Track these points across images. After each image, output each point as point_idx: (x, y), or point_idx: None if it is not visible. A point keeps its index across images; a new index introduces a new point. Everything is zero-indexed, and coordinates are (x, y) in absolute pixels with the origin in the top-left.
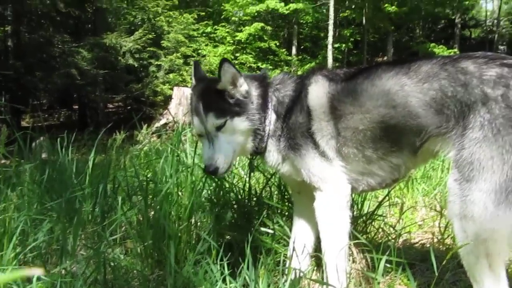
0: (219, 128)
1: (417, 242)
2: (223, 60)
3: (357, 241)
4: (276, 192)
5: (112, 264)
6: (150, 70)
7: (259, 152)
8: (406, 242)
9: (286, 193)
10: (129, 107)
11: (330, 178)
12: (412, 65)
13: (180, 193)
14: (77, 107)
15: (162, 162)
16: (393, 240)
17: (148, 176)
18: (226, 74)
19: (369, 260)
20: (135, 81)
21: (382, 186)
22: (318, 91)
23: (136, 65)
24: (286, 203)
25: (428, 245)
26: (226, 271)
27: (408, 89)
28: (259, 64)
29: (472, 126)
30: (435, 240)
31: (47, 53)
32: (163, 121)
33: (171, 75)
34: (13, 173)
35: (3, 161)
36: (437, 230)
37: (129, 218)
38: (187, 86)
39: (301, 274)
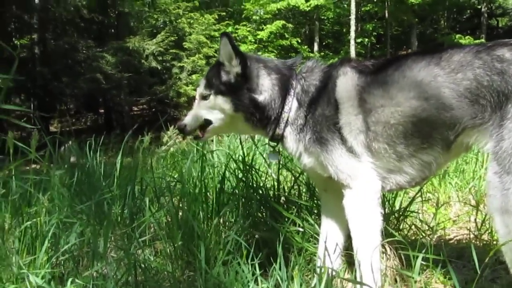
0: (203, 97)
1: (452, 239)
2: (223, 34)
3: (390, 239)
4: (304, 190)
5: (142, 265)
6: (173, 72)
7: (276, 138)
8: (440, 239)
9: (315, 191)
10: (153, 109)
11: (360, 174)
12: (443, 54)
13: (208, 193)
14: (103, 111)
15: (189, 163)
16: (428, 237)
17: (175, 177)
18: (224, 49)
19: (403, 257)
20: (159, 83)
21: (411, 185)
22: (347, 84)
23: (159, 68)
24: (315, 201)
25: (464, 241)
26: (258, 271)
27: (440, 79)
28: None
29: (511, 116)
30: (471, 236)
31: (73, 58)
32: None
33: (194, 76)
34: (44, 178)
35: (33, 166)
36: (473, 226)
37: (157, 219)
38: None
39: (334, 274)
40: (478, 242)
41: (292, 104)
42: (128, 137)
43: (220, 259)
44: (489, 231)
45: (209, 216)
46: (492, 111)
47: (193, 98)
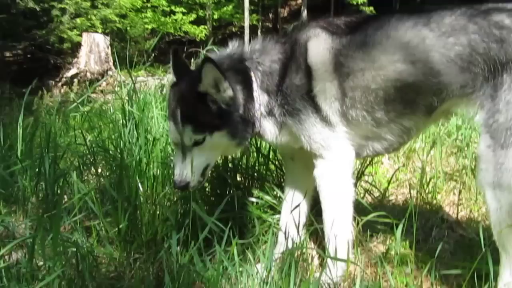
0: (196, 143)
1: (394, 199)
2: (207, 60)
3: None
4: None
5: (80, 252)
6: (53, 15)
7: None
8: (384, 200)
9: (269, 159)
10: (29, 56)
11: (333, 144)
12: (432, 15)
13: (150, 165)
14: None
15: (130, 128)
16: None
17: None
18: (208, 75)
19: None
20: (38, 27)
21: (388, 151)
22: (320, 47)
23: (37, 9)
24: (268, 169)
25: (406, 202)
26: (236, 257)
27: (429, 42)
28: (173, 7)
29: (507, 88)
30: (414, 196)
31: None
32: (73, 71)
33: (78, 20)
34: None
35: None
36: (408, 183)
37: (89, 195)
38: (97, 32)
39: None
40: (421, 202)
41: (260, 98)
42: (5, 88)
43: (193, 244)
44: (431, 190)
45: (153, 192)
46: (484, 80)
47: (79, 44)
